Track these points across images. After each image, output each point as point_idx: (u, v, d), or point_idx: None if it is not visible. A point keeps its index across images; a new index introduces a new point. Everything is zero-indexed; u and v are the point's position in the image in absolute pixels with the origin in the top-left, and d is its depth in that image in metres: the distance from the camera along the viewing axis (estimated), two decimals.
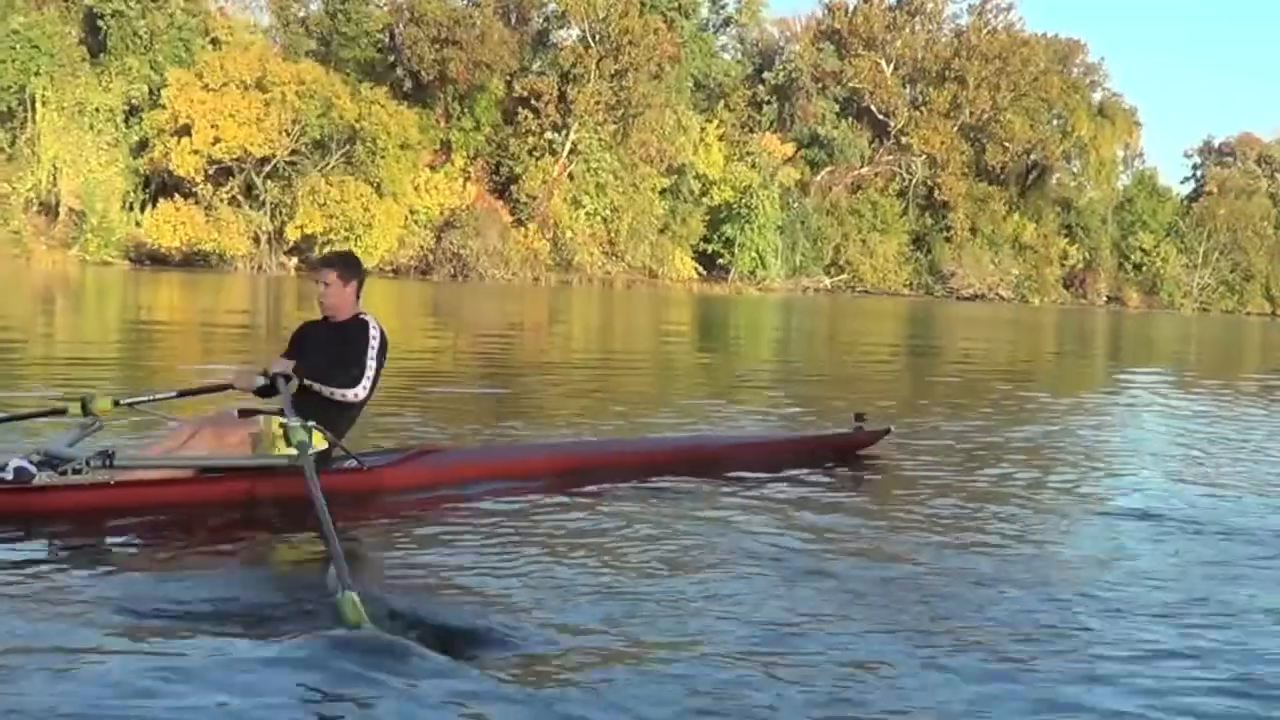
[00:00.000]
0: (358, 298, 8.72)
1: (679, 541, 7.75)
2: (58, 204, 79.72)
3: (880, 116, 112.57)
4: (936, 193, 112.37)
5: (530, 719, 4.80)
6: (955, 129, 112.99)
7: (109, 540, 7.38)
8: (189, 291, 50.75)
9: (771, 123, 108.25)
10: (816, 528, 8.27)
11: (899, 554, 7.64)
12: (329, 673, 5.03)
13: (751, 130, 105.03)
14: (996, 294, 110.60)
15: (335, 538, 6.17)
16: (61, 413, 8.51)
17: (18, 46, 77.98)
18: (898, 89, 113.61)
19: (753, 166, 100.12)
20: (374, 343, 8.49)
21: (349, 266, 8.81)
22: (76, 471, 7.46)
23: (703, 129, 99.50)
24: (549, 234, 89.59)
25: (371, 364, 8.43)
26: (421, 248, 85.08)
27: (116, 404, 8.48)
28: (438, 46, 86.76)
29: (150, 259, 77.43)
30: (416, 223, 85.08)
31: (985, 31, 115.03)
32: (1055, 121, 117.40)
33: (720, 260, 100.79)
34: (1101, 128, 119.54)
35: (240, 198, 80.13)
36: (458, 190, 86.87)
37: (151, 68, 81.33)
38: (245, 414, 8.30)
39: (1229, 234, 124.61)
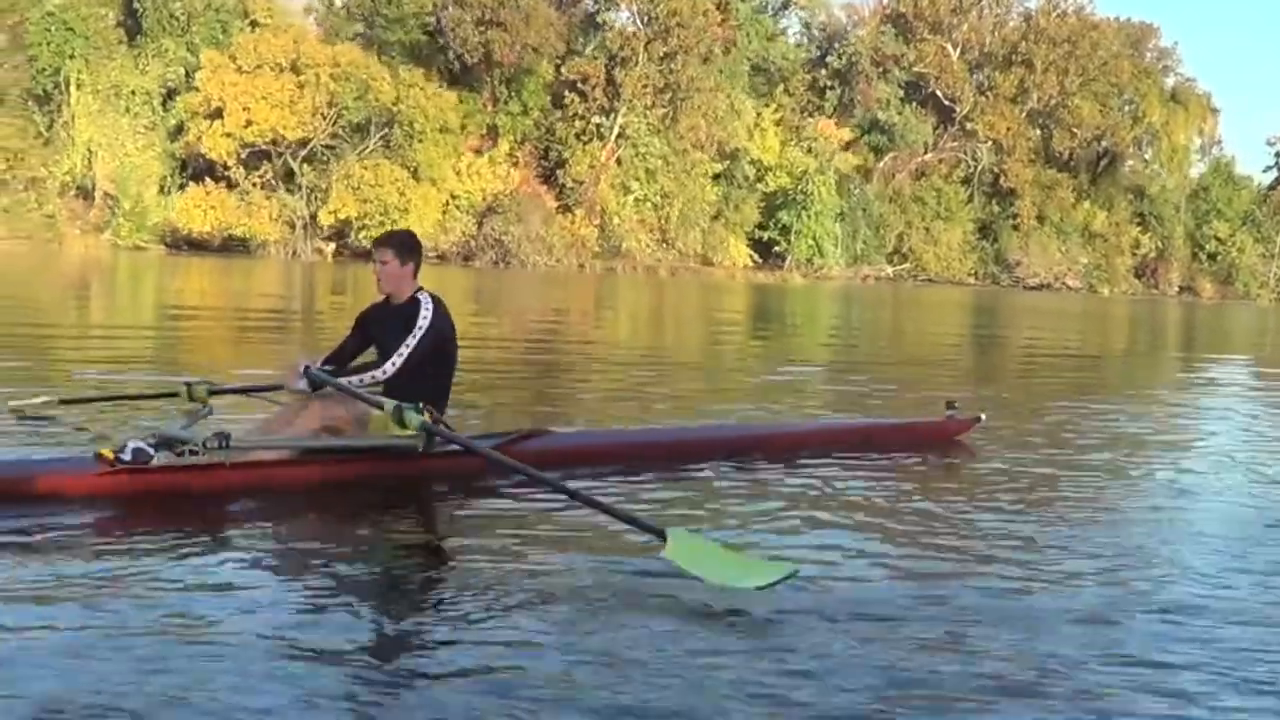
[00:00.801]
0: (415, 277, 8.46)
1: (776, 524, 7.58)
2: (93, 188, 77.32)
3: (946, 102, 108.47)
4: (1002, 180, 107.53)
5: None
6: (1022, 114, 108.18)
7: (225, 521, 7.20)
8: (216, 277, 47.94)
9: (834, 108, 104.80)
10: (915, 515, 8.05)
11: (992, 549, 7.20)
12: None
13: (811, 115, 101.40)
14: (1063, 283, 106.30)
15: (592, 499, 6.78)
16: (174, 395, 8.81)
17: (53, 29, 75.67)
18: (963, 74, 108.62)
19: (809, 152, 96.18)
20: (420, 328, 8.19)
21: (406, 246, 8.51)
22: (193, 453, 7.41)
23: (759, 114, 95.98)
24: (596, 220, 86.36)
25: (406, 349, 8.12)
26: (464, 233, 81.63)
27: (212, 392, 8.71)
28: (482, 29, 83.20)
29: (187, 244, 74.71)
30: (458, 208, 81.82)
31: (1055, 15, 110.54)
32: (1126, 107, 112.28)
33: (776, 248, 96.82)
34: (1174, 114, 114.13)
35: (275, 182, 77.28)
36: (502, 175, 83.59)
37: (188, 50, 78.58)
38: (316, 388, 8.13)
39: None
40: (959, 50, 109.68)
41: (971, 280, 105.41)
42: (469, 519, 7.65)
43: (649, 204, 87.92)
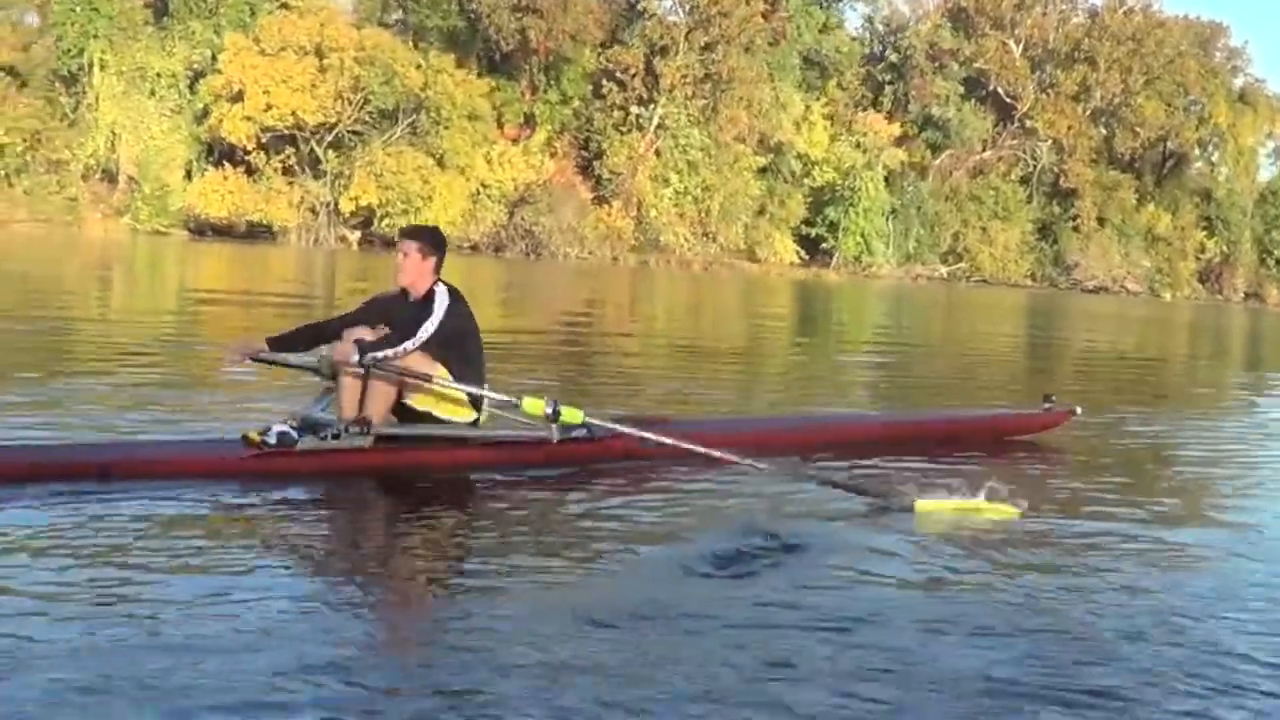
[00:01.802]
0: (436, 273, 8.21)
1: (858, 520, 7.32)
2: (117, 171, 73.80)
3: (1006, 99, 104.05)
4: (1062, 180, 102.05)
5: None
6: (1084, 113, 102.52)
7: (367, 503, 7.47)
8: (226, 264, 45.30)
9: (893, 103, 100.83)
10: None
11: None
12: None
13: (865, 110, 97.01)
14: (1123, 287, 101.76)
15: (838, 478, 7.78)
16: (316, 371, 8.29)
17: (77, 8, 72.14)
18: (1025, 71, 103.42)
19: (857, 146, 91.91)
20: (432, 321, 7.95)
21: (431, 242, 8.31)
22: (335, 437, 7.58)
23: (808, 107, 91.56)
24: (633, 212, 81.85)
25: (417, 338, 7.84)
26: (495, 224, 77.42)
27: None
28: (518, 15, 78.91)
29: (211, 229, 70.91)
30: (489, 197, 77.29)
31: (1121, 11, 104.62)
32: (1191, 108, 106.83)
33: (824, 244, 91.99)
34: (1241, 115, 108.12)
35: (298, 167, 73.60)
36: (535, 165, 79.14)
37: (215, 32, 74.72)
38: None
39: None
40: (1021, 46, 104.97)
41: (1029, 282, 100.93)
42: (596, 505, 7.51)
43: (689, 197, 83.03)
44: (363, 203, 72.39)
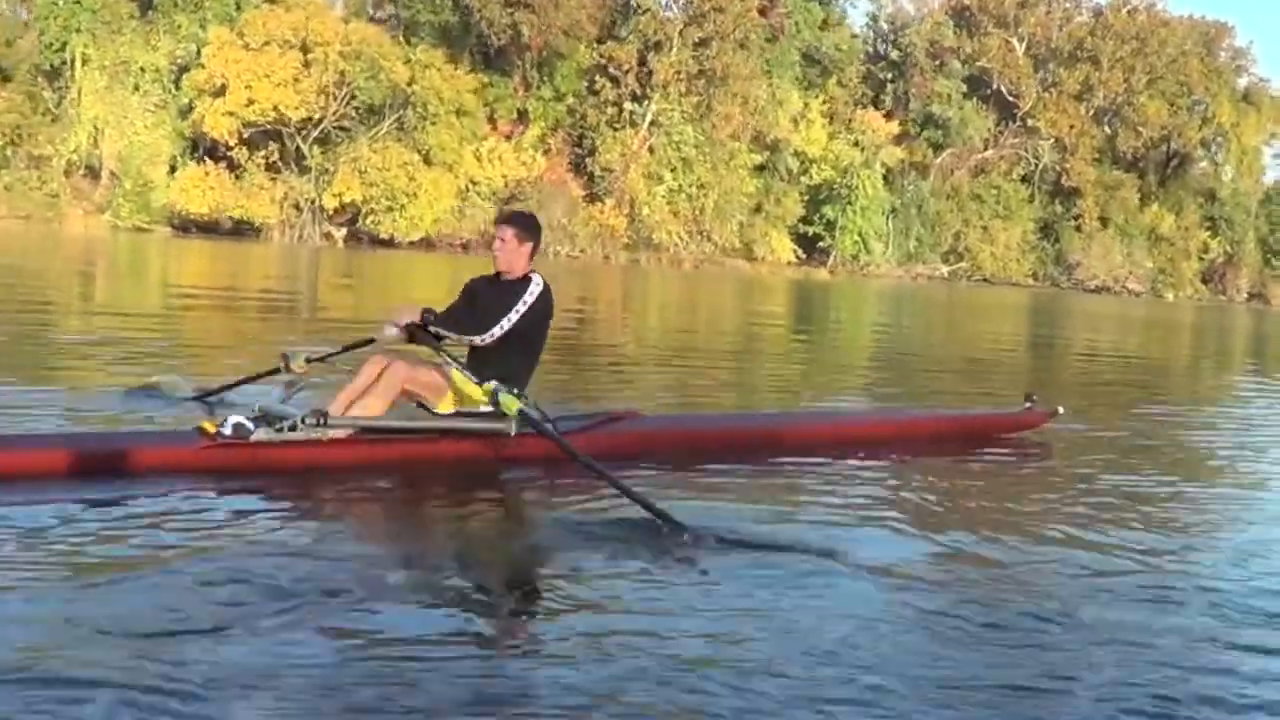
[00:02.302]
0: (531, 258, 8.20)
1: (856, 513, 7.35)
2: (100, 167, 71.84)
3: (1009, 98, 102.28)
4: (1064, 179, 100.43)
5: None
6: (1087, 112, 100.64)
7: (318, 495, 7.18)
8: (203, 261, 43.07)
9: (894, 101, 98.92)
10: (1001, 507, 7.99)
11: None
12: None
13: (865, 108, 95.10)
14: (1124, 287, 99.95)
15: (616, 478, 6.72)
16: (276, 371, 8.49)
17: (60, 2, 70.00)
18: (1027, 69, 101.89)
19: (855, 145, 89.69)
20: (525, 302, 7.92)
21: (527, 227, 8.32)
22: (292, 429, 7.34)
23: (806, 104, 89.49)
24: (626, 210, 79.57)
25: (508, 322, 7.87)
26: (485, 221, 75.63)
27: (309, 360, 8.33)
28: (510, 10, 76.25)
29: (196, 226, 68.68)
30: (479, 195, 74.93)
31: (1124, 10, 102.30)
32: (1195, 107, 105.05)
33: (821, 243, 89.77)
34: (1245, 115, 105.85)
35: (282, 163, 71.18)
36: (526, 162, 76.95)
37: (200, 26, 72.17)
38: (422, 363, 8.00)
39: None
40: (1024, 45, 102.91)
41: (1031, 281, 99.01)
42: (547, 503, 7.43)
43: (684, 194, 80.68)
44: (346, 199, 70.13)
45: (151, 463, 7.09)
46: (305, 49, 69.66)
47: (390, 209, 69.25)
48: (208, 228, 69.09)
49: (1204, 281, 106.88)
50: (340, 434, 7.51)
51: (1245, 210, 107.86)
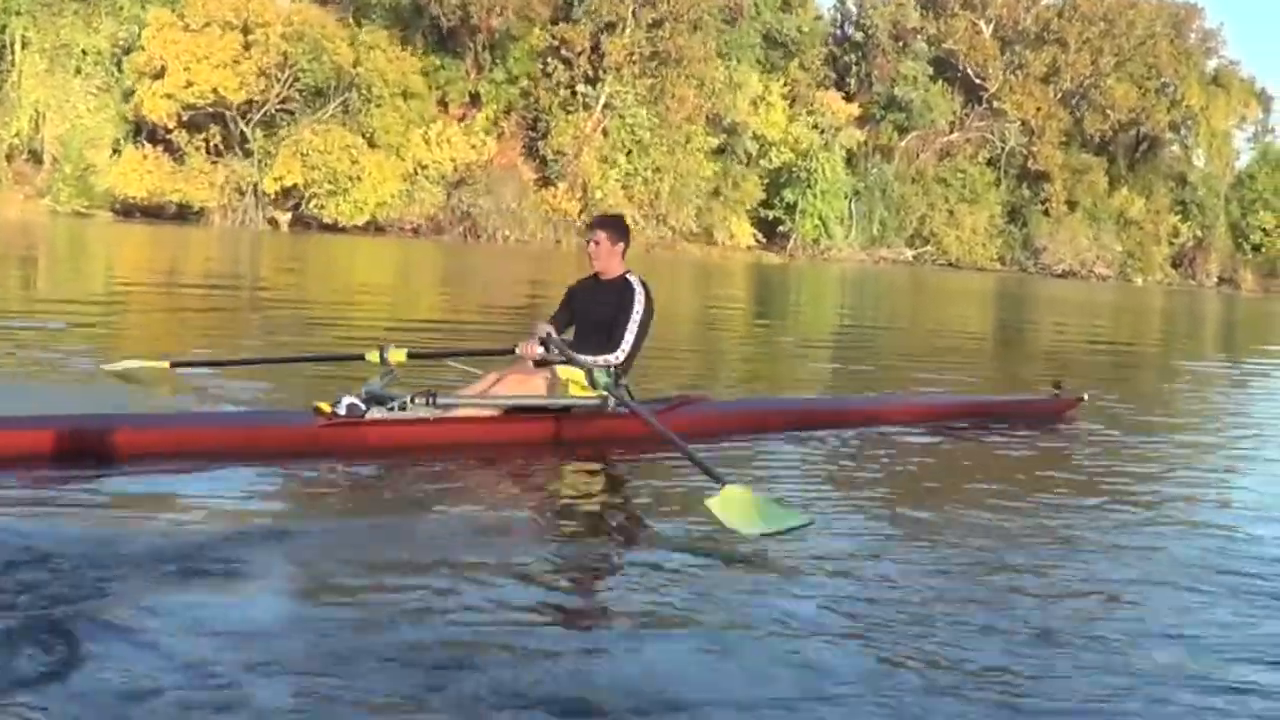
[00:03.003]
0: (624, 257, 8.66)
1: (908, 485, 7.98)
2: (42, 151, 70.70)
3: (975, 80, 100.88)
4: (1031, 162, 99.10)
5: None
6: (1055, 95, 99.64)
7: (428, 472, 7.39)
8: (135, 248, 41.30)
9: (858, 83, 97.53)
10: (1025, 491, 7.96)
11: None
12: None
13: (828, 89, 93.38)
14: (1092, 271, 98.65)
15: (686, 446, 6.93)
16: (360, 358, 8.68)
17: None
18: (994, 51, 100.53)
19: (815, 127, 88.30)
20: (638, 309, 8.45)
21: (618, 229, 8.77)
22: (402, 408, 7.71)
23: (766, 87, 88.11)
24: (579, 194, 78.25)
25: (631, 333, 8.41)
26: (433, 205, 73.92)
27: (411, 356, 8.49)
28: None
29: (139, 211, 67.28)
30: (428, 179, 73.61)
31: None
32: (1163, 90, 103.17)
33: (781, 227, 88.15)
34: (1215, 98, 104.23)
35: (224, 147, 69.76)
36: (477, 145, 75.40)
37: (142, 8, 70.61)
38: (538, 364, 8.36)
39: None
40: (991, 27, 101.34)
41: (997, 266, 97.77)
42: (639, 479, 7.76)
43: (639, 178, 79.07)
44: (287, 183, 68.70)
45: (273, 441, 7.51)
46: (246, 30, 68.13)
47: (333, 192, 67.88)
48: (151, 212, 67.84)
49: (1174, 266, 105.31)
50: (446, 414, 7.92)
51: (1216, 194, 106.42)
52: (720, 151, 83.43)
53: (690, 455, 6.83)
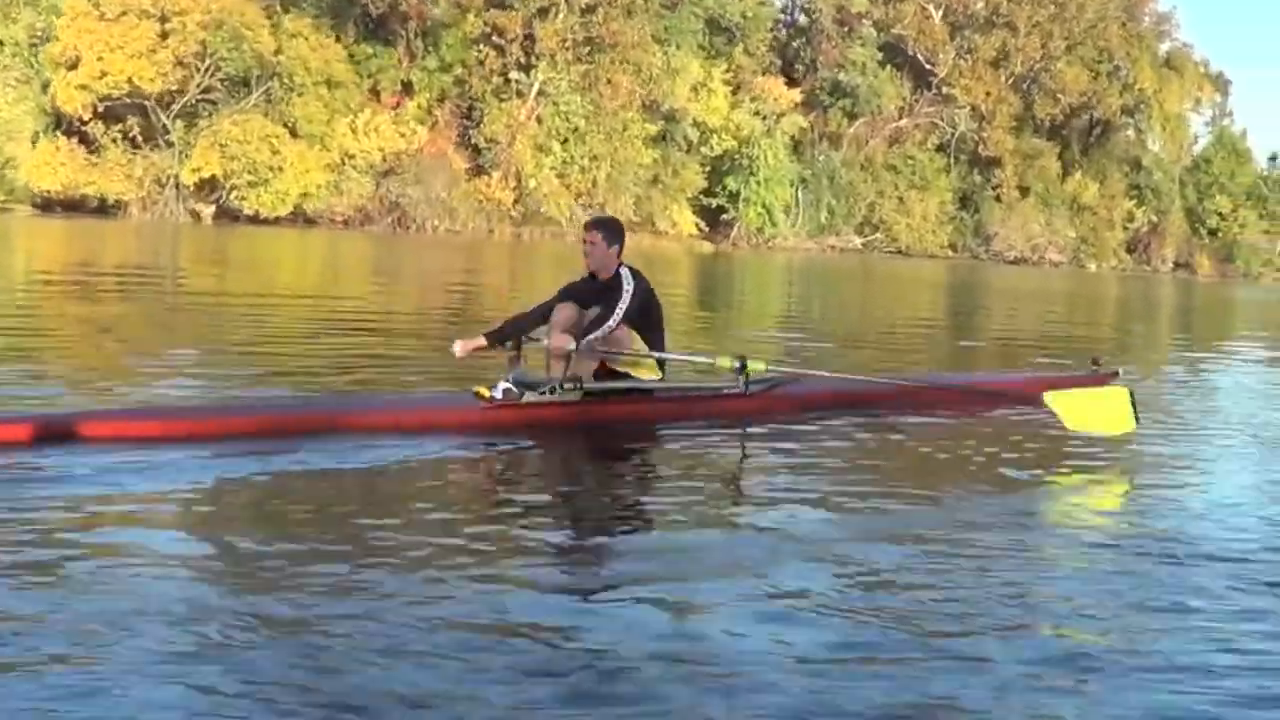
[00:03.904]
0: (619, 257, 9.14)
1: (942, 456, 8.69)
2: None
3: (926, 65, 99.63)
4: (982, 148, 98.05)
5: None
6: (1006, 80, 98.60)
7: (577, 447, 8.43)
8: (48, 243, 39.23)
9: (805, 68, 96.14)
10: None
11: None
12: None
13: (774, 75, 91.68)
14: (1044, 258, 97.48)
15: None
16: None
17: None
18: (943, 36, 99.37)
19: (756, 114, 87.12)
20: (624, 300, 8.89)
21: (612, 230, 9.29)
22: (551, 391, 8.55)
23: (707, 72, 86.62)
24: (513, 183, 76.66)
25: (616, 316, 8.85)
26: (362, 196, 71.96)
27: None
28: None
29: (60, 205, 65.62)
30: (355, 169, 71.85)
31: None
32: (1115, 74, 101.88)
33: (724, 215, 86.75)
34: (1168, 81, 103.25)
35: (142, 138, 67.74)
36: (407, 134, 73.52)
37: None
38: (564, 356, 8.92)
39: None
40: (941, 11, 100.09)
41: (948, 253, 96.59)
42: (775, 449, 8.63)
43: (576, 166, 77.69)
44: (205, 174, 66.96)
45: (440, 422, 8.34)
46: (164, 19, 66.42)
47: (253, 183, 66.22)
48: (72, 205, 66.12)
49: (1129, 251, 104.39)
50: (590, 395, 8.76)
51: (1171, 178, 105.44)
52: (660, 139, 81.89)
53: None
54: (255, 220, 67.15)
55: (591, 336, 8.74)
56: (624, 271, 9.01)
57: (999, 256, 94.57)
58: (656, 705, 3.92)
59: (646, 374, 9.10)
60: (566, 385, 8.52)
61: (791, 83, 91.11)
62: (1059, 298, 43.81)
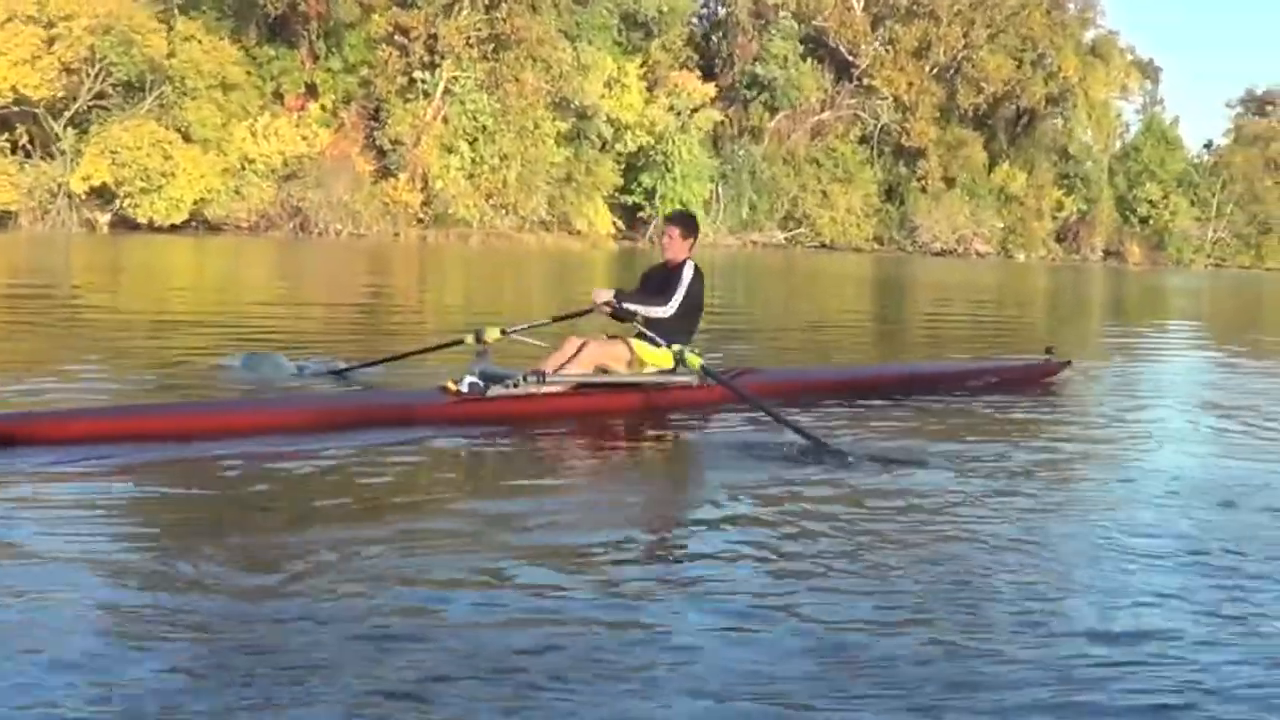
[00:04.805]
0: (691, 250, 10.23)
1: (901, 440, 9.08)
2: None
3: (848, 57, 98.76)
4: (905, 139, 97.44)
5: None
6: (929, 70, 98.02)
7: (540, 438, 8.85)
8: None
9: (724, 62, 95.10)
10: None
11: None
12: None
13: (692, 70, 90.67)
14: (971, 249, 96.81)
15: (781, 414, 8.84)
16: (460, 343, 10.43)
17: None
18: (864, 27, 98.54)
19: (671, 109, 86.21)
20: (685, 279, 9.98)
21: (689, 226, 10.47)
22: (515, 385, 9.15)
23: (621, 68, 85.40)
24: (420, 185, 75.15)
25: (678, 294, 9.91)
26: (263, 200, 69.94)
27: (504, 333, 10.31)
28: None
29: None
30: (256, 173, 70.15)
31: None
32: (1040, 62, 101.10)
33: (641, 213, 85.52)
34: (1092, 68, 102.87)
35: (33, 147, 66.16)
36: (309, 136, 71.76)
37: None
38: (611, 338, 10.06)
39: (1245, 184, 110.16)
40: (861, 3, 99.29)
41: (874, 246, 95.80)
42: (728, 439, 9.08)
43: (485, 166, 76.33)
44: (95, 182, 65.40)
45: (409, 416, 8.78)
46: (50, 25, 64.94)
47: (145, 190, 64.73)
48: None
49: (1058, 240, 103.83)
50: (553, 389, 9.28)
51: (1100, 167, 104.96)
52: (572, 136, 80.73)
53: (779, 417, 8.66)
54: (154, 228, 65.66)
55: (630, 305, 9.84)
56: (689, 264, 10.13)
57: (925, 248, 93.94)
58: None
59: (657, 361, 9.90)
60: (530, 379, 9.15)
61: (710, 77, 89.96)
62: (990, 290, 43.29)
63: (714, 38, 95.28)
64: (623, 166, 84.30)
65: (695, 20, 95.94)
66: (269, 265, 41.78)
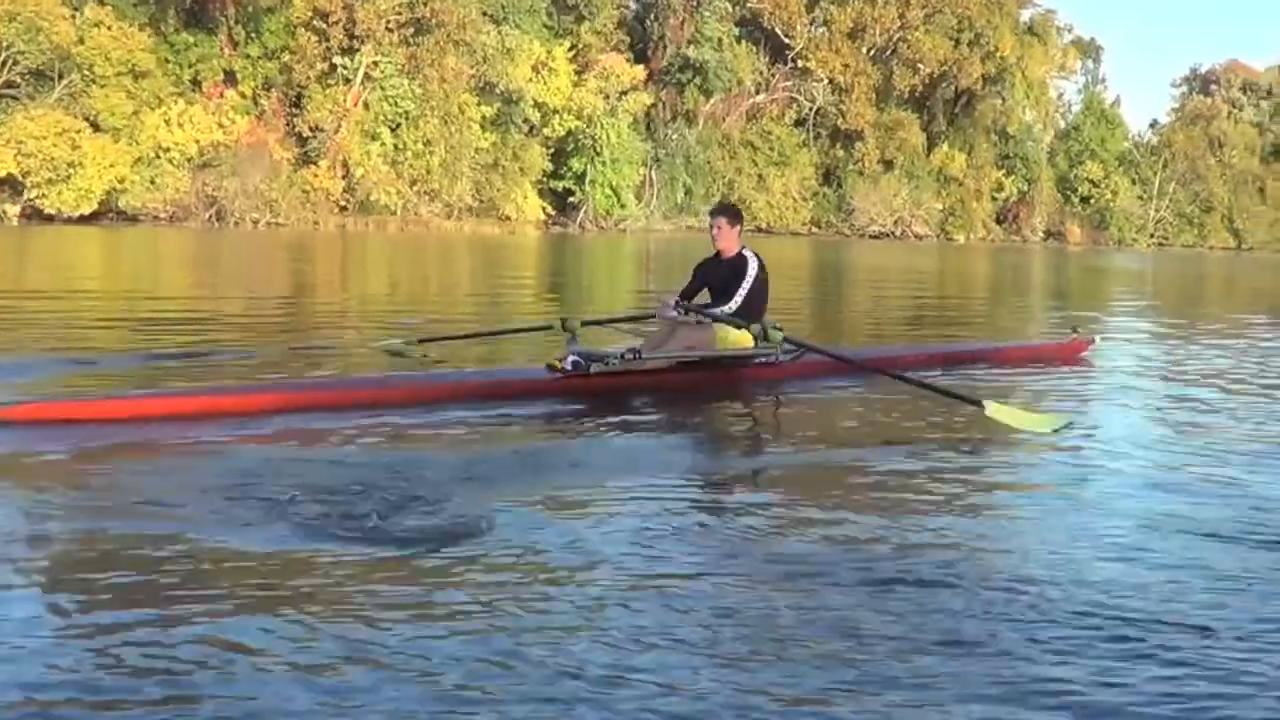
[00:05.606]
0: (739, 237, 10.58)
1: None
2: None
3: (783, 39, 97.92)
4: (841, 121, 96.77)
5: None
6: (866, 52, 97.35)
7: (637, 412, 9.40)
8: None
9: (655, 45, 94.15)
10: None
11: None
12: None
13: (623, 53, 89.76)
14: (909, 231, 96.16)
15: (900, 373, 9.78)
16: (549, 328, 11.23)
17: None
18: (799, 9, 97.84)
19: (599, 92, 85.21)
20: (751, 273, 10.34)
21: (734, 215, 10.80)
22: (613, 362, 9.78)
23: (548, 51, 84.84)
24: (341, 172, 73.97)
25: (743, 292, 10.28)
26: (178, 190, 68.44)
27: (584, 324, 10.80)
28: None
29: None
30: (170, 162, 68.61)
31: None
32: (976, 42, 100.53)
33: (572, 198, 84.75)
34: (1029, 48, 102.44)
35: None
36: (225, 124, 70.34)
37: None
38: (698, 322, 10.45)
39: (1187, 163, 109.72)
40: None
41: (813, 230, 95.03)
42: (826, 405, 10.10)
43: (408, 152, 75.21)
44: (0, 173, 64.45)
45: (518, 391, 9.63)
46: None
47: (52, 180, 63.48)
48: None
49: (998, 221, 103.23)
50: (648, 367, 10.05)
51: (1041, 147, 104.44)
52: (498, 121, 79.59)
53: (922, 383, 9.32)
54: (67, 220, 64.35)
55: (721, 308, 10.24)
56: (748, 253, 10.46)
57: (862, 231, 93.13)
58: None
59: (737, 343, 10.34)
60: (627, 356, 9.80)
61: (643, 60, 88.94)
62: (929, 277, 41.43)
63: (647, 20, 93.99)
64: (552, 151, 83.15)
65: (628, 4, 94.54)
66: (166, 256, 40.52)
